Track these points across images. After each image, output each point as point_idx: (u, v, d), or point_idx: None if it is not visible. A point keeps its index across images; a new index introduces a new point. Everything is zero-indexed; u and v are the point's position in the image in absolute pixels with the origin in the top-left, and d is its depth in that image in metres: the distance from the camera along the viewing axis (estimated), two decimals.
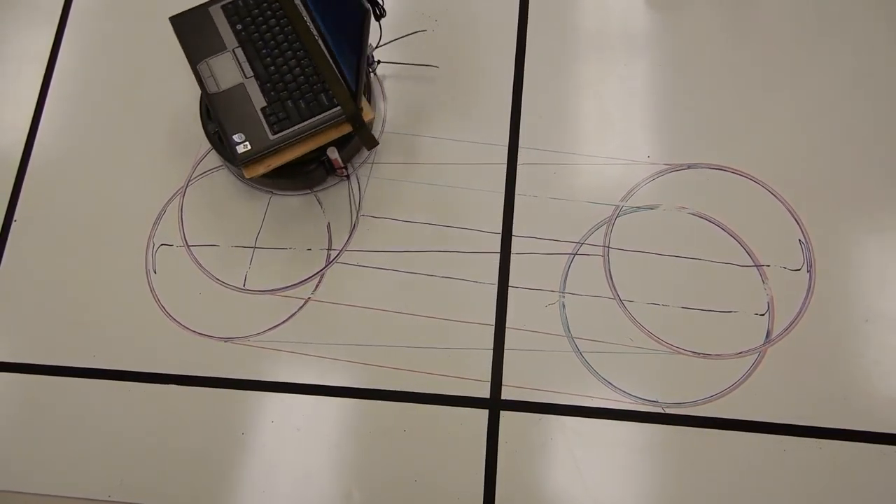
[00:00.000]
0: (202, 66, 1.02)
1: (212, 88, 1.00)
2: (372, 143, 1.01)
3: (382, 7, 0.97)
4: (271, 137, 0.97)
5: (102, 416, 1.02)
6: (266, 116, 0.98)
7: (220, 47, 1.03)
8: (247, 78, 1.01)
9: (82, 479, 1.00)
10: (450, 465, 0.95)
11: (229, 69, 1.02)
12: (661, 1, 1.13)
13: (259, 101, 1.00)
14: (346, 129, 1.00)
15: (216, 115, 1.00)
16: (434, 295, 1.02)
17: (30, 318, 1.08)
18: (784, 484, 0.91)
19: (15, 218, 1.14)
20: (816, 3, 1.10)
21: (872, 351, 0.95)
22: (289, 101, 0.99)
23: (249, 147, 0.97)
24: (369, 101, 1.06)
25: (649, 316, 0.98)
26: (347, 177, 1.07)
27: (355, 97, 0.96)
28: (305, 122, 0.98)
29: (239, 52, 1.02)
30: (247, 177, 0.98)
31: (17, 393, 1.05)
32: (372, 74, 1.09)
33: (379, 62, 1.09)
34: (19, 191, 1.15)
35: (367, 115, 0.99)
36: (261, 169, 0.98)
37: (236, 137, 0.97)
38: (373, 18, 0.91)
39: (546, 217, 1.04)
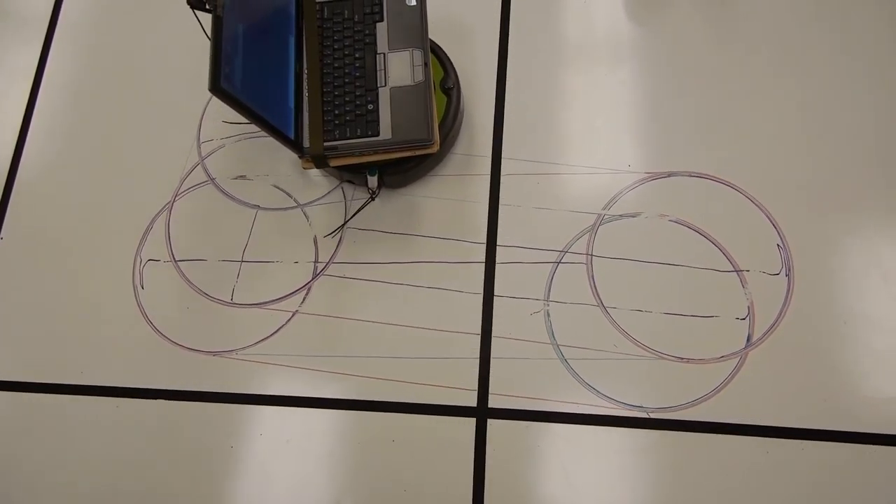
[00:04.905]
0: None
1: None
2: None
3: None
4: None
5: (91, 433, 1.02)
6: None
7: None
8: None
9: (72, 496, 1.00)
10: (438, 473, 0.96)
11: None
12: (640, 11, 1.15)
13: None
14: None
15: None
16: (420, 305, 1.03)
17: (16, 335, 1.08)
18: (767, 485, 0.92)
19: (1, 235, 1.14)
20: (795, 13, 1.12)
21: (851, 352, 0.97)
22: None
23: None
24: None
25: (632, 322, 1.00)
26: None
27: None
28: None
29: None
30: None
31: (3, 411, 1.05)
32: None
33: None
34: (6, 207, 1.15)
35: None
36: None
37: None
38: None
39: (530, 226, 1.05)
